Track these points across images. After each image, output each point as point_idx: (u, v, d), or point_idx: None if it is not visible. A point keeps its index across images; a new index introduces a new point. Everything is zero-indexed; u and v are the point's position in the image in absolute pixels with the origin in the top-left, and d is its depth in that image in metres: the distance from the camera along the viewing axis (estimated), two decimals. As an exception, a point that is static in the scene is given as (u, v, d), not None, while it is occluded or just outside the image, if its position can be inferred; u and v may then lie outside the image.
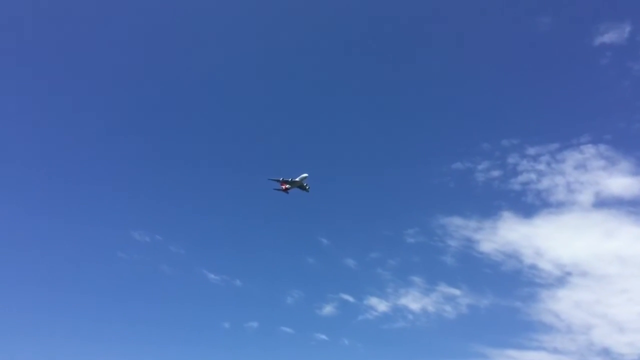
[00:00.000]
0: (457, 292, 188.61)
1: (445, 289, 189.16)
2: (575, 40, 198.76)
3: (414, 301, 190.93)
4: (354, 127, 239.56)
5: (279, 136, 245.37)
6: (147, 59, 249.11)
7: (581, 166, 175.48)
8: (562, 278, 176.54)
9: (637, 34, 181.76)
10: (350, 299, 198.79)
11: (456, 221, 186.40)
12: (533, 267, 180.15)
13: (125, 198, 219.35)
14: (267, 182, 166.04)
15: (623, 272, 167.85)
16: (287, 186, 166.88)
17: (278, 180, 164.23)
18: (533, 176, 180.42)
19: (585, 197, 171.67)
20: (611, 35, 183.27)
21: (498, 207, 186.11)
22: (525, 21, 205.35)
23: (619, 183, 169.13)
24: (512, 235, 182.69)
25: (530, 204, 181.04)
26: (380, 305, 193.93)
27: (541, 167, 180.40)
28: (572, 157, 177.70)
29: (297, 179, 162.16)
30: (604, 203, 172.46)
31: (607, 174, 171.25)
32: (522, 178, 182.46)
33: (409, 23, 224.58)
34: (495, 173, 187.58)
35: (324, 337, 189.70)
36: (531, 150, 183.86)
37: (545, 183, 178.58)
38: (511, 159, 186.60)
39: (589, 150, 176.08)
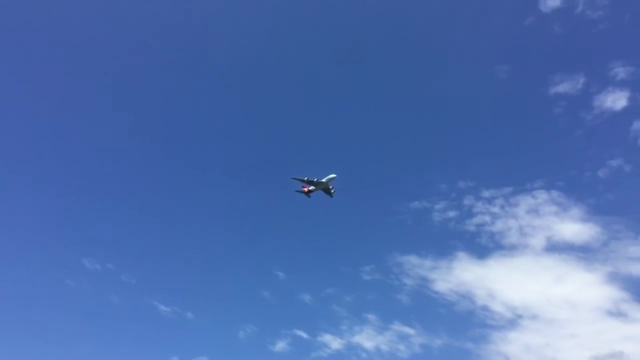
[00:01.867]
0: (411, 331, 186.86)
1: (400, 327, 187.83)
2: (531, 88, 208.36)
3: (368, 339, 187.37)
4: (318, 159, 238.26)
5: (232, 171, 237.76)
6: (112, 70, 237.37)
7: (534, 211, 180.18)
8: (513, 320, 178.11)
9: (591, 86, 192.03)
10: (304, 335, 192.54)
11: (412, 260, 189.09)
12: (485, 308, 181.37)
13: (77, 223, 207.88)
14: (291, 183, 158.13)
15: (572, 317, 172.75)
16: (312, 188, 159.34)
17: (302, 180, 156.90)
18: (487, 218, 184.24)
19: (537, 241, 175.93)
20: (565, 86, 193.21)
21: (453, 247, 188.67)
22: (485, 68, 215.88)
23: (570, 229, 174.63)
24: (466, 275, 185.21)
25: (484, 246, 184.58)
26: (334, 343, 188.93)
27: (495, 209, 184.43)
28: (525, 202, 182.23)
29: (323, 180, 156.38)
30: (555, 248, 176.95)
31: (558, 220, 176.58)
32: (477, 220, 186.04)
33: (375, 71, 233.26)
34: (452, 214, 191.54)
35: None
36: (486, 193, 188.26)
37: (499, 225, 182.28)
38: (467, 201, 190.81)
39: (542, 195, 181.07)
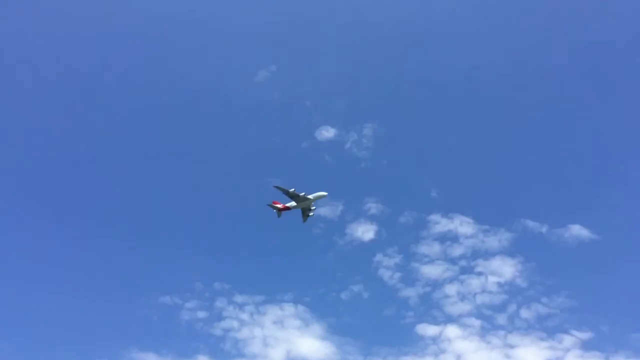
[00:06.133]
0: None
1: None
2: None
3: None
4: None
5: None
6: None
7: (279, 322, 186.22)
8: None
9: (347, 214, 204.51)
10: None
11: (150, 358, 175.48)
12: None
13: None
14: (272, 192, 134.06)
15: None
16: (290, 204, 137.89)
17: (286, 192, 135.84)
18: (235, 324, 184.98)
19: (278, 353, 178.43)
20: (327, 210, 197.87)
21: (196, 349, 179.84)
22: (258, 179, 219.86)
23: (308, 344, 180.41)
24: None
25: (227, 352, 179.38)
26: None
27: (245, 316, 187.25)
28: (273, 312, 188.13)
29: (309, 196, 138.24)
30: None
31: (300, 334, 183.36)
32: (225, 324, 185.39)
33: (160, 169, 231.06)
34: (202, 314, 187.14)
35: None
36: (239, 298, 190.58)
37: (245, 333, 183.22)
38: (219, 303, 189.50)
39: (289, 308, 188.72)
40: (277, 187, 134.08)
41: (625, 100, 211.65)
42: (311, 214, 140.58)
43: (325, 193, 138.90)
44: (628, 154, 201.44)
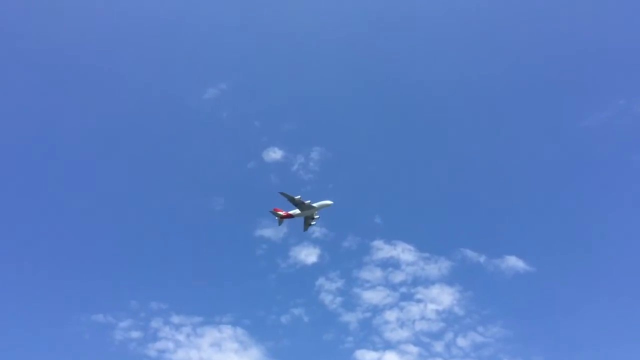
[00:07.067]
0: None
1: None
2: (240, 225, 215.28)
3: None
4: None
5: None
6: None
7: (217, 345, 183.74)
8: None
9: (290, 237, 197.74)
10: None
11: None
12: None
13: None
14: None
15: None
16: (293, 212, 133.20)
17: (292, 199, 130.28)
18: (171, 345, 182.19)
19: None
20: (269, 231, 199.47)
21: None
22: (203, 197, 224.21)
23: None
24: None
25: None
26: None
27: (181, 337, 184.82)
28: (211, 334, 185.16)
29: (315, 205, 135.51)
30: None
31: (237, 357, 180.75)
32: (160, 345, 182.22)
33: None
34: (136, 334, 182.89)
35: None
36: (176, 319, 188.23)
37: (180, 355, 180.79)
38: (155, 323, 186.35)
39: (227, 330, 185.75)
40: (283, 194, 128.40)
41: (560, 135, 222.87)
42: (313, 222, 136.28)
43: (330, 202, 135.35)
44: (564, 189, 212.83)
